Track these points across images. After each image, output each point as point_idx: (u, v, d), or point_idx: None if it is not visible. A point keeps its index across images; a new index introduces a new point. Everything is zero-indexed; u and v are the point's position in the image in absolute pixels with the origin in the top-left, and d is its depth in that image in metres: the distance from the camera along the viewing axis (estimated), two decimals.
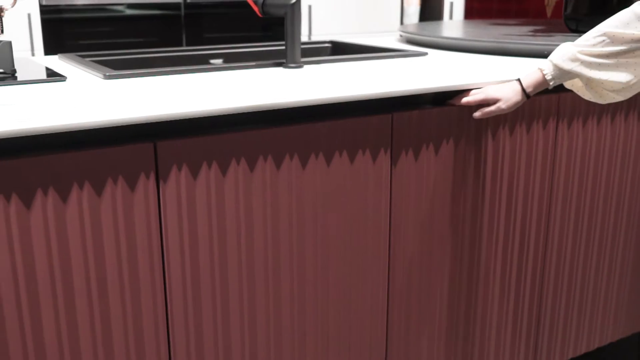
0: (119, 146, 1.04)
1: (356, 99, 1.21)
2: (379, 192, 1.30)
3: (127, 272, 1.08)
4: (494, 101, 1.35)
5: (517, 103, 1.34)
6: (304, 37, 3.35)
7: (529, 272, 1.57)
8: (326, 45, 2.07)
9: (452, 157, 1.39)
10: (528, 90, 1.34)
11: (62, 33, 2.90)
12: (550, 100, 1.48)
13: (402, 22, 3.72)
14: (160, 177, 1.08)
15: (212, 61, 1.85)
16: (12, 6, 1.47)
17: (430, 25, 2.37)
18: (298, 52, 1.50)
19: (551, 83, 1.33)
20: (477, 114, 1.34)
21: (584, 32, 1.92)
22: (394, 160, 1.30)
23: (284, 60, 1.51)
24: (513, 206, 1.50)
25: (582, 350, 1.75)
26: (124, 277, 1.08)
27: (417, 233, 1.38)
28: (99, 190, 1.03)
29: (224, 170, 1.12)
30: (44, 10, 2.82)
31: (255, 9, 1.54)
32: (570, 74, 1.32)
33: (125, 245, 1.07)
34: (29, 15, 2.77)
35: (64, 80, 1.31)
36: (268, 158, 1.16)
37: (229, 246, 1.16)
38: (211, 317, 1.18)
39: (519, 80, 1.36)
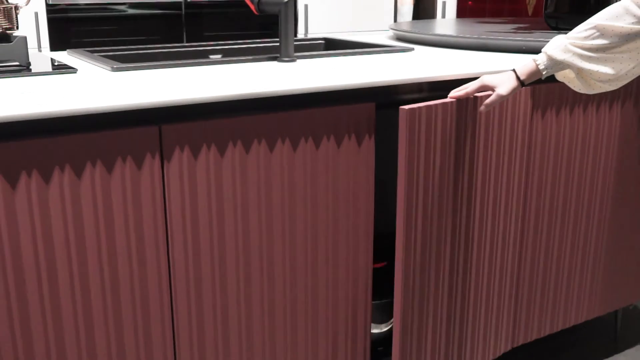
0: (128, 129, 1.15)
1: (342, 88, 1.33)
2: (365, 172, 1.42)
3: (135, 241, 1.20)
4: (491, 89, 1.42)
5: (514, 88, 1.40)
6: (301, 35, 3.47)
7: (509, 253, 1.69)
8: (320, 41, 2.18)
9: (444, 147, 1.50)
10: (522, 78, 1.41)
11: (67, 31, 3.02)
12: (526, 92, 1.59)
13: (395, 21, 3.83)
14: (164, 157, 1.19)
15: (211, 56, 1.96)
16: (27, 4, 1.60)
17: (419, 24, 2.49)
18: (291, 47, 1.62)
19: (544, 73, 1.40)
20: (482, 109, 1.42)
21: (564, 29, 2.05)
22: (377, 146, 1.42)
23: (278, 55, 1.63)
24: (498, 192, 1.61)
25: (559, 327, 1.87)
26: (131, 245, 1.20)
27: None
28: (109, 168, 1.15)
29: (221, 151, 1.24)
30: (51, 9, 2.94)
31: (252, 7, 1.66)
32: (562, 65, 1.39)
33: (133, 218, 1.19)
34: (36, 14, 2.88)
35: (75, 72, 1.43)
36: (262, 141, 1.28)
37: (226, 219, 1.28)
38: (209, 277, 1.30)
39: (513, 70, 1.45)
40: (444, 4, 3.91)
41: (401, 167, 1.29)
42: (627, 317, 2.30)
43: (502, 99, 1.42)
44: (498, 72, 1.53)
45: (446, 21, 2.72)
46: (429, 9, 4.00)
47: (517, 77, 1.42)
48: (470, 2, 4.26)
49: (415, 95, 1.46)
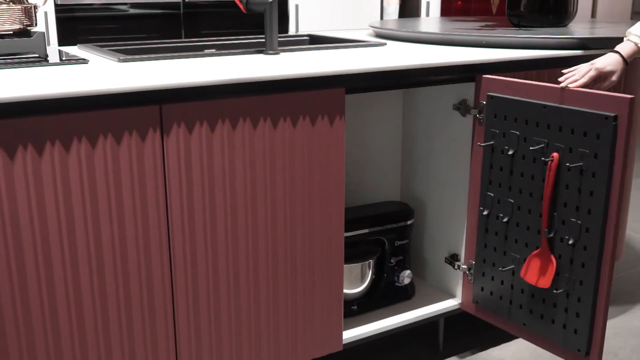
0: (134, 108, 1.39)
1: (315, 76, 1.56)
2: (336, 148, 1.65)
3: (139, 202, 1.43)
4: (608, 75, 1.67)
5: (623, 71, 1.67)
6: (292, 33, 3.69)
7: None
8: (305, 38, 2.42)
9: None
10: (627, 57, 1.68)
11: (74, 29, 3.25)
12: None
13: (382, 20, 4.05)
14: (164, 132, 1.43)
15: (206, 50, 2.19)
16: (44, 4, 1.83)
17: (398, 22, 2.72)
18: (275, 42, 1.85)
19: None
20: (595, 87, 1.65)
21: (525, 26, 2.28)
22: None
23: (264, 49, 1.86)
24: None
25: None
26: (136, 205, 1.43)
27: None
28: (118, 140, 1.38)
29: (212, 128, 1.47)
30: (59, 9, 3.17)
31: (241, 6, 1.89)
32: None
33: (138, 183, 1.42)
34: (45, 13, 3.12)
35: (87, 63, 1.66)
36: (247, 120, 1.51)
37: (216, 185, 1.51)
38: (202, 233, 1.53)
39: (617, 52, 1.69)
40: (427, 3, 4.13)
41: None
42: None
43: (613, 84, 1.67)
44: (452, 63, 1.77)
45: (424, 20, 2.95)
46: (414, 8, 4.22)
47: (623, 59, 1.68)
48: (459, 2, 4.48)
49: (380, 82, 1.69)
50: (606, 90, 1.64)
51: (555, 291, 1.68)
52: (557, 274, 1.69)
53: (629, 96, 1.51)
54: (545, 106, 1.65)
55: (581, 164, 1.60)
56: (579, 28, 2.25)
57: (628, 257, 2.81)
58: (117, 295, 1.46)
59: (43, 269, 1.37)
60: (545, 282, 1.70)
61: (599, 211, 1.58)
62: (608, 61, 1.67)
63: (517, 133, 1.72)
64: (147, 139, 1.41)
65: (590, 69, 1.67)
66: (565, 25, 2.32)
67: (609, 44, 1.80)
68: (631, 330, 2.24)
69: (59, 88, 1.30)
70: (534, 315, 1.77)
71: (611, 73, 1.67)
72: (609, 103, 1.55)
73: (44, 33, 1.72)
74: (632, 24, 1.69)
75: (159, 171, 1.44)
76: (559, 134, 1.63)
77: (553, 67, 1.93)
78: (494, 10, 2.50)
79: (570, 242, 1.64)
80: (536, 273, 1.72)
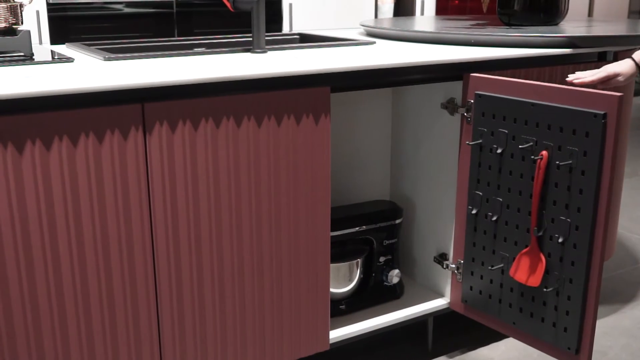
0: (116, 106, 1.38)
1: (300, 74, 1.55)
2: (322, 147, 1.64)
3: (121, 201, 1.43)
4: (615, 76, 1.68)
5: (632, 75, 1.69)
6: (285, 32, 3.68)
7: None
8: (295, 36, 2.41)
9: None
10: (639, 62, 1.68)
11: (66, 28, 3.24)
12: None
13: (376, 19, 4.05)
14: (147, 131, 1.42)
15: (196, 49, 2.19)
16: (30, 2, 1.82)
17: (388, 21, 2.71)
18: (262, 40, 1.84)
19: None
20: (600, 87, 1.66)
21: (516, 25, 2.27)
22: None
23: (252, 47, 1.85)
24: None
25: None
26: (118, 204, 1.43)
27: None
28: (100, 139, 1.37)
29: (195, 126, 1.47)
30: (51, 8, 3.16)
31: (228, 4, 1.88)
32: None
33: (120, 182, 1.42)
34: (37, 12, 3.11)
35: (72, 62, 1.66)
36: (230, 119, 1.51)
37: (200, 186, 1.51)
38: (185, 231, 1.53)
39: (632, 58, 1.70)
40: (422, 2, 4.13)
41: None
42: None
43: (618, 84, 1.67)
44: (439, 62, 1.76)
45: (418, 18, 2.94)
46: (409, 7, 4.22)
47: (637, 64, 1.69)
48: (456, 1, 4.48)
49: (366, 80, 1.68)
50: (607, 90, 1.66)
51: (545, 289, 1.68)
52: (546, 272, 1.68)
53: (618, 94, 1.50)
54: (534, 104, 1.64)
55: (570, 162, 1.59)
56: (570, 27, 2.25)
57: (619, 256, 2.81)
58: (100, 298, 1.46)
59: (24, 270, 1.37)
60: (534, 281, 1.69)
61: (588, 209, 1.58)
62: (618, 63, 1.70)
63: (506, 131, 1.71)
64: (130, 138, 1.41)
65: (600, 70, 1.69)
66: (556, 24, 2.31)
67: (598, 42, 1.80)
68: (621, 329, 2.23)
69: (39, 86, 1.29)
70: (523, 314, 1.76)
71: (617, 74, 1.69)
72: (598, 101, 1.54)
73: (29, 32, 1.71)
74: (628, 23, 1.70)
75: (141, 170, 1.44)
76: (547, 132, 1.63)
77: (542, 66, 1.93)
78: (485, 9, 2.50)
79: (560, 240, 1.63)
80: (526, 271, 1.71)
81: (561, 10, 2.31)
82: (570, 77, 1.68)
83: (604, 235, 1.58)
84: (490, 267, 1.82)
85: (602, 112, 1.52)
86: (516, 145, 1.69)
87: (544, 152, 1.63)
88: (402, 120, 2.18)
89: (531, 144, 1.66)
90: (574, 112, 1.57)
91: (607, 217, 1.57)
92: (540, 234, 1.68)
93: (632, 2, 6.00)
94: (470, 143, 1.79)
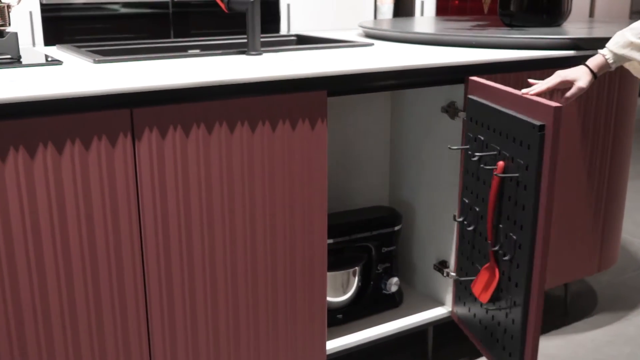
0: (104, 111, 1.33)
1: (296, 78, 1.50)
2: (318, 153, 1.59)
3: (109, 209, 1.37)
4: (570, 83, 1.58)
5: (590, 81, 1.57)
6: (282, 33, 3.63)
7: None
8: (292, 38, 2.36)
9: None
10: (595, 70, 1.58)
11: (60, 29, 3.19)
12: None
13: (376, 19, 4.00)
14: (135, 137, 1.37)
15: (190, 51, 2.14)
16: (18, 3, 1.77)
17: (387, 22, 2.66)
18: (258, 42, 1.79)
19: (613, 66, 1.59)
20: (563, 102, 1.55)
21: (517, 26, 2.22)
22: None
23: (247, 49, 1.80)
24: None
25: None
26: (106, 213, 1.37)
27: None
28: (87, 146, 1.32)
29: (187, 133, 1.41)
30: (44, 8, 3.11)
31: (222, 5, 1.83)
32: (625, 58, 1.57)
33: (108, 190, 1.36)
34: (30, 13, 3.06)
35: (60, 64, 1.61)
36: (223, 124, 1.45)
37: (191, 194, 1.45)
38: (177, 240, 1.47)
39: (585, 64, 1.60)
40: (422, 3, 4.08)
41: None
42: (576, 293, 2.47)
43: (582, 92, 1.58)
44: (439, 64, 1.71)
45: (418, 19, 2.89)
46: (409, 8, 4.17)
47: (591, 71, 1.59)
48: (457, 2, 4.42)
49: (364, 84, 1.63)
50: (572, 99, 1.58)
51: (497, 309, 1.60)
52: (500, 290, 1.60)
53: (555, 104, 1.38)
54: (500, 111, 1.56)
55: (518, 174, 1.49)
56: (572, 28, 2.19)
57: (622, 261, 2.76)
58: (87, 312, 1.41)
59: (7, 278, 1.32)
60: (485, 297, 1.63)
61: (528, 227, 1.47)
62: (573, 70, 1.60)
63: (482, 138, 1.64)
64: (118, 145, 1.35)
65: (553, 77, 1.61)
66: (559, 25, 2.26)
67: (601, 44, 1.74)
68: (626, 337, 2.18)
69: (23, 91, 1.24)
70: (487, 332, 1.70)
71: (572, 82, 1.58)
72: (538, 110, 1.43)
73: (16, 34, 1.66)
74: (630, 24, 1.62)
75: (130, 179, 1.38)
76: (506, 141, 1.53)
77: (544, 68, 1.87)
78: (485, 9, 2.45)
79: (506, 257, 1.55)
80: (481, 286, 1.65)
81: (564, 11, 2.26)
82: (524, 90, 1.57)
83: (542, 256, 1.46)
84: (463, 278, 1.76)
85: (540, 124, 1.41)
86: (488, 152, 1.62)
87: (500, 163, 1.54)
88: (402, 123, 2.13)
89: (495, 152, 1.58)
90: (521, 121, 1.47)
91: (546, 236, 1.45)
92: (496, 248, 1.59)
93: (633, 2, 5.95)
94: (453, 148, 1.73)
